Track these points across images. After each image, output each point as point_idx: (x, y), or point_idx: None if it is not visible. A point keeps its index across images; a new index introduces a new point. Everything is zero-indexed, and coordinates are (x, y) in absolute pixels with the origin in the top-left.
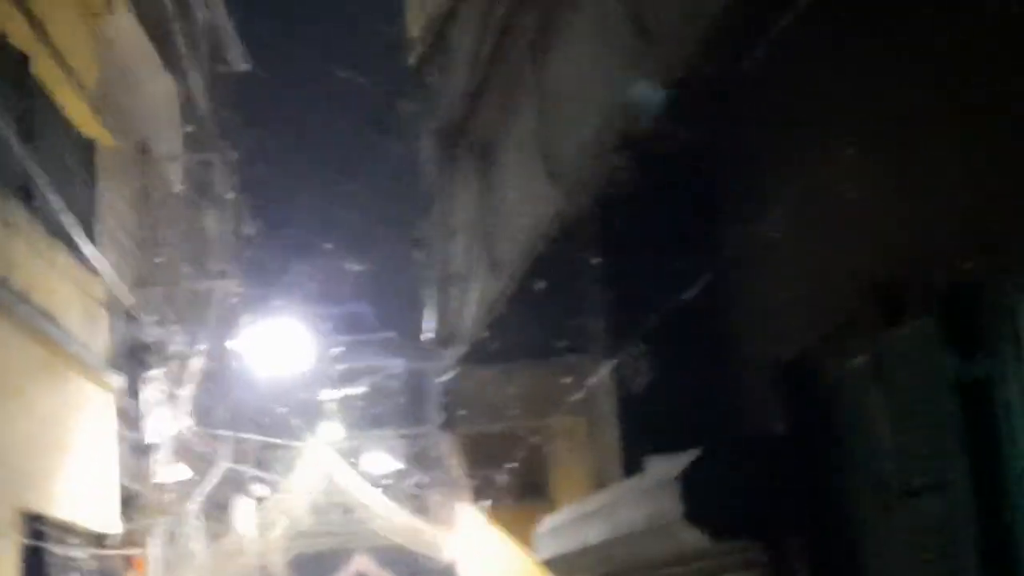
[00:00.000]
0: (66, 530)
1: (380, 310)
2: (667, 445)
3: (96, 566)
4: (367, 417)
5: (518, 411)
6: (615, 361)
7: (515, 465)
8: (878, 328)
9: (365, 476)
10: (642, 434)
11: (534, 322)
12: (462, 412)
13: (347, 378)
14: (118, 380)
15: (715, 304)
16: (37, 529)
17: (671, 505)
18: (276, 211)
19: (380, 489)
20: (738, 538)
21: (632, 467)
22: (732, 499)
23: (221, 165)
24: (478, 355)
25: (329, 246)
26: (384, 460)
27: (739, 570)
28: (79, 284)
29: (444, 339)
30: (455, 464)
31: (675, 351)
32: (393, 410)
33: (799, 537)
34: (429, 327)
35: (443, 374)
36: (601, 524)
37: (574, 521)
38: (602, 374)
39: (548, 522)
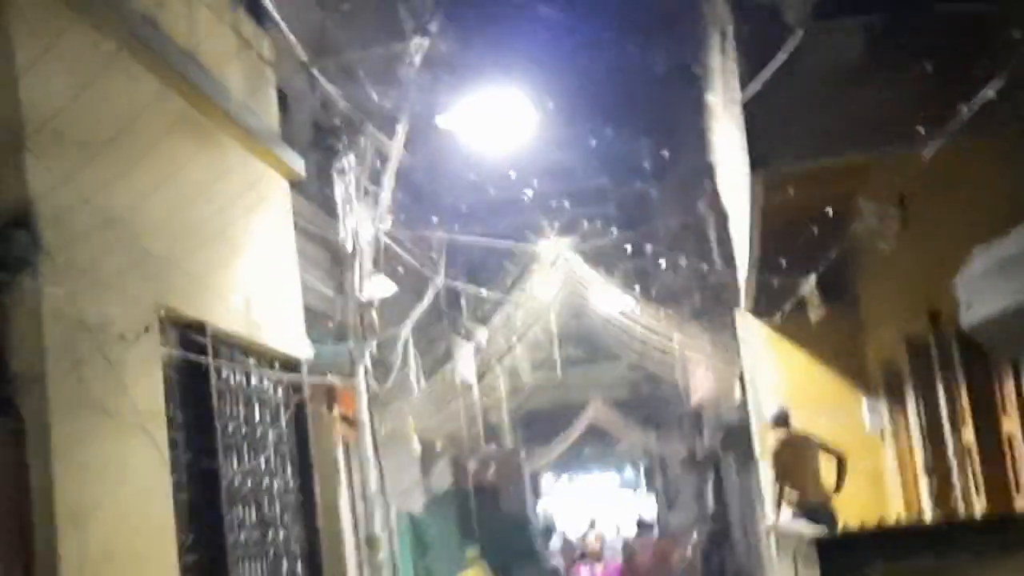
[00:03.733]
0: (233, 346)
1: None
2: None
3: (281, 396)
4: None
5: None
6: None
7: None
8: None
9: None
10: None
11: None
12: (781, 136)
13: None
14: (297, 162)
15: None
16: (190, 339)
17: None
18: None
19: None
20: None
21: None
22: None
23: None
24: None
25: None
26: (617, 294)
27: None
28: (235, 31)
29: None
30: (753, 248)
31: None
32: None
33: None
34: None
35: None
36: None
37: None
38: None
39: (986, 257)
